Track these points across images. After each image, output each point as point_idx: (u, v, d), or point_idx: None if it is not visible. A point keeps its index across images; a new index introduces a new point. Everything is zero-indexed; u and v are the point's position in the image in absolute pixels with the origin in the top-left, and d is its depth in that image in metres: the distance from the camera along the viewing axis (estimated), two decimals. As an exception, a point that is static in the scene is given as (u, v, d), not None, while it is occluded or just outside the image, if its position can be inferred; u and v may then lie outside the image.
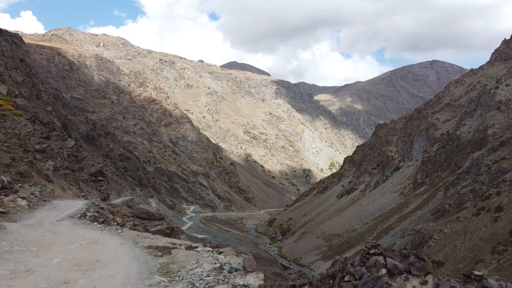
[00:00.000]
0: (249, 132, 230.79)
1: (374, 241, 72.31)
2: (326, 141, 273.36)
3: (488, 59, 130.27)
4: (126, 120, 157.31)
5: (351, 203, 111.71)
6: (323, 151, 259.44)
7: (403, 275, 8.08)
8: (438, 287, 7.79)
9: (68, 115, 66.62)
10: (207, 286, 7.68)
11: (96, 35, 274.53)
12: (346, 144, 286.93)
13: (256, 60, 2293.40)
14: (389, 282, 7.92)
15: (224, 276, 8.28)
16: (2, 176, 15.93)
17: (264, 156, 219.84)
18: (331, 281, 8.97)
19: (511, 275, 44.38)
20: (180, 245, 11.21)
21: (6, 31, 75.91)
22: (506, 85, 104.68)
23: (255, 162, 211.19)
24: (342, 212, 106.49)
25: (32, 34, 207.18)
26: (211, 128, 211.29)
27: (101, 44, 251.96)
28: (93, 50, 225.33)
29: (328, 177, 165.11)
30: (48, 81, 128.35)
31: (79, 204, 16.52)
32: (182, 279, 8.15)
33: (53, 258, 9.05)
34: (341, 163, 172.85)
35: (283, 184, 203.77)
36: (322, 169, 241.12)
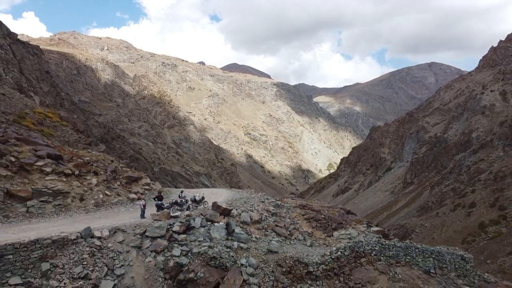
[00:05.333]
0: (250, 134, 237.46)
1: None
2: (325, 142, 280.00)
3: (476, 65, 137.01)
4: (132, 123, 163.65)
5: (345, 202, 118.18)
6: (321, 152, 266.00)
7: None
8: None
9: (86, 120, 73.45)
10: (251, 193, 29.42)
11: (100, 38, 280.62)
12: (345, 145, 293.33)
13: (258, 61, 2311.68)
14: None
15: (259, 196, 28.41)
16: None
17: (264, 157, 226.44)
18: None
19: (476, 260, 51.00)
20: (243, 190, 34.04)
21: (28, 43, 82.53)
22: (491, 90, 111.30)
23: (256, 162, 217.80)
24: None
25: (39, 39, 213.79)
26: (212, 130, 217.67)
27: (105, 48, 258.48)
28: (97, 53, 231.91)
29: (325, 177, 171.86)
30: (58, 85, 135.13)
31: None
32: (242, 193, 29.99)
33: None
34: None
35: (282, 184, 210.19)
36: (320, 169, 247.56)
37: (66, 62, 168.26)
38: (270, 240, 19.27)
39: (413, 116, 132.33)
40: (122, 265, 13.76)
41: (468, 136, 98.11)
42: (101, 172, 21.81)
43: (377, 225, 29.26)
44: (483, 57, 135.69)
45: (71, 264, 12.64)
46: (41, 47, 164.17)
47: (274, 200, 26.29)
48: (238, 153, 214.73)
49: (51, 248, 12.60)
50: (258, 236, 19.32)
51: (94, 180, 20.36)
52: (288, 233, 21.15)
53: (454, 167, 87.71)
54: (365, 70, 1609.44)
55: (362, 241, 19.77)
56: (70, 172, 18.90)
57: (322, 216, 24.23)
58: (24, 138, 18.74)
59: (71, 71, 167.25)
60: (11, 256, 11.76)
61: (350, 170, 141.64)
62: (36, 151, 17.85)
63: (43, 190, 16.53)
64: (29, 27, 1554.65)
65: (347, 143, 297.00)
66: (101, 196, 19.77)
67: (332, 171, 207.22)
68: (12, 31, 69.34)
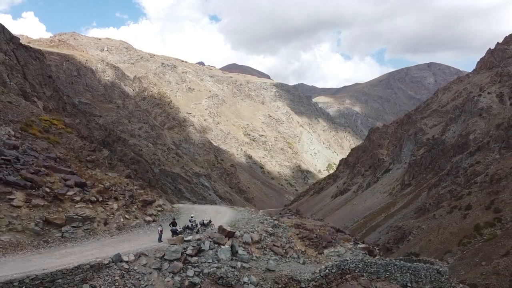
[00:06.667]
0: (249, 134, 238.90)
1: (363, 239, 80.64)
2: (324, 143, 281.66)
3: (474, 68, 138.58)
4: (132, 124, 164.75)
5: (344, 203, 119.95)
6: (321, 152, 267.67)
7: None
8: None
9: (88, 123, 74.76)
10: (252, 213, 32.75)
11: (100, 39, 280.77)
12: (344, 145, 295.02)
13: (258, 61, 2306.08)
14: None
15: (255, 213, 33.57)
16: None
17: (263, 157, 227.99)
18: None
19: (471, 262, 52.75)
20: (244, 209, 36.75)
21: (30, 47, 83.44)
22: (488, 93, 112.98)
23: (255, 163, 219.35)
24: (336, 211, 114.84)
25: (39, 40, 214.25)
26: (212, 131, 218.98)
27: (105, 49, 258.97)
28: (97, 54, 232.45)
29: (324, 178, 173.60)
30: (60, 89, 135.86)
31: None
32: (243, 212, 33.02)
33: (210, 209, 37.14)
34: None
35: (281, 185, 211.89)
36: (320, 170, 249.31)
37: (66, 63, 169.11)
38: (268, 259, 22.27)
39: (411, 117, 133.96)
40: (146, 285, 15.89)
41: (465, 138, 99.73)
42: (120, 197, 24.39)
43: (363, 242, 33.54)
44: (480, 59, 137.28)
45: (106, 285, 14.67)
46: (41, 48, 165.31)
47: (272, 220, 29.53)
48: (237, 154, 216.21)
49: (90, 272, 14.74)
50: (258, 255, 22.22)
51: (115, 205, 22.82)
52: (284, 251, 23.97)
53: (451, 169, 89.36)
54: (365, 70, 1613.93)
55: (348, 260, 22.59)
56: (95, 199, 21.19)
57: (314, 235, 27.11)
58: (51, 166, 20.42)
59: (71, 72, 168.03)
60: (60, 280, 14.12)
61: (349, 171, 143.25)
62: (66, 181, 19.68)
63: (74, 217, 18.63)
64: (29, 27, 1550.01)
65: (346, 143, 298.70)
66: (121, 219, 22.21)
67: (331, 171, 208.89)
68: (14, 35, 70.32)
